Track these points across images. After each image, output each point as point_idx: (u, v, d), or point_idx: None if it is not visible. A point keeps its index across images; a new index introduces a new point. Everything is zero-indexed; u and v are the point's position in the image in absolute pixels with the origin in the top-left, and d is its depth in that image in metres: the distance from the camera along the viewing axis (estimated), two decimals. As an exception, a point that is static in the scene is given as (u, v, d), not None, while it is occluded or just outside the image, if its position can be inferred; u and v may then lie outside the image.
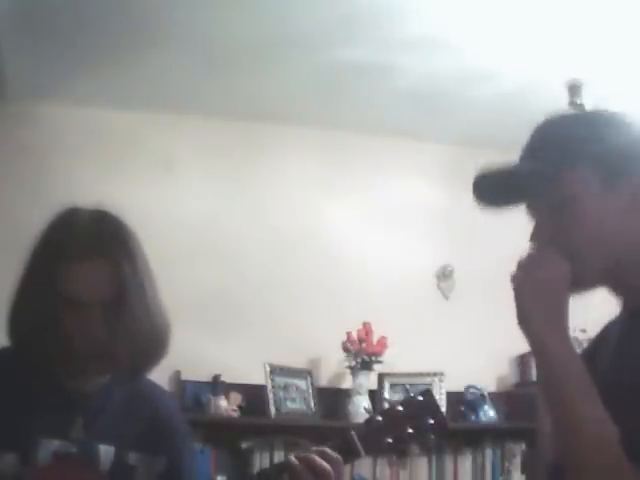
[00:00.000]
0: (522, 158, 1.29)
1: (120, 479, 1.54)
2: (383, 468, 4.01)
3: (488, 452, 4.15)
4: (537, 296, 1.19)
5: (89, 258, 1.48)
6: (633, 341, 1.19)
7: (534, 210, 1.28)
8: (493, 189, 1.28)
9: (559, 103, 3.47)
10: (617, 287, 1.26)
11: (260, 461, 3.80)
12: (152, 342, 1.54)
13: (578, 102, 3.59)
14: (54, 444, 1.51)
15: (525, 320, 1.20)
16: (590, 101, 3.56)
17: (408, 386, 3.99)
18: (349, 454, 1.40)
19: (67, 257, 1.48)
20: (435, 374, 4.16)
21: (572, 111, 1.33)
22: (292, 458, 1.38)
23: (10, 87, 3.87)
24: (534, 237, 1.27)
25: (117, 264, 1.48)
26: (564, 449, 1.16)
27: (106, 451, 1.54)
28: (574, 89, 3.63)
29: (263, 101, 4.08)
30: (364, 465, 3.95)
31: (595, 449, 1.10)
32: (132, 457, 1.56)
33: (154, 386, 1.69)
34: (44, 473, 1.50)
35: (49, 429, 1.51)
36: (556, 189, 1.22)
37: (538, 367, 1.21)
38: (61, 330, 1.47)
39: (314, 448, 1.39)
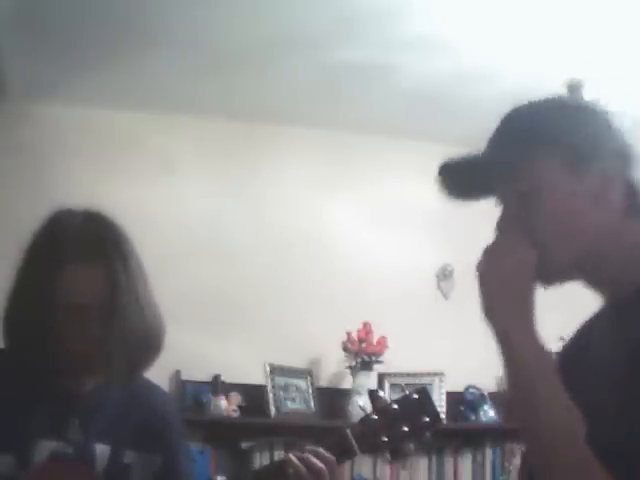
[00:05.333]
0: (488, 146, 1.24)
1: (116, 478, 1.55)
2: (383, 468, 4.01)
3: (488, 452, 4.15)
4: (502, 285, 1.15)
5: (81, 261, 1.49)
6: (627, 330, 1.12)
7: (500, 199, 1.23)
8: (459, 179, 1.24)
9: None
10: (595, 280, 1.20)
11: (260, 461, 3.80)
12: (145, 343, 1.54)
13: (578, 102, 3.59)
14: (50, 445, 1.51)
15: (489, 310, 1.16)
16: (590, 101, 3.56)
17: (404, 385, 3.98)
18: (344, 453, 1.39)
19: (60, 260, 1.48)
20: (435, 374, 4.15)
21: (540, 99, 1.29)
22: (289, 458, 1.38)
23: (10, 87, 3.86)
24: (500, 226, 1.22)
25: (109, 266, 1.49)
26: (529, 447, 1.12)
27: (102, 450, 1.54)
28: (574, 89, 3.62)
29: (263, 101, 4.08)
30: (364, 465, 3.95)
31: (560, 446, 1.05)
32: (128, 456, 1.57)
33: (150, 385, 1.69)
34: (40, 473, 1.50)
35: (45, 430, 1.51)
36: (523, 178, 1.18)
37: (502, 359, 1.14)
38: (55, 333, 1.47)
39: (308, 448, 1.38)
